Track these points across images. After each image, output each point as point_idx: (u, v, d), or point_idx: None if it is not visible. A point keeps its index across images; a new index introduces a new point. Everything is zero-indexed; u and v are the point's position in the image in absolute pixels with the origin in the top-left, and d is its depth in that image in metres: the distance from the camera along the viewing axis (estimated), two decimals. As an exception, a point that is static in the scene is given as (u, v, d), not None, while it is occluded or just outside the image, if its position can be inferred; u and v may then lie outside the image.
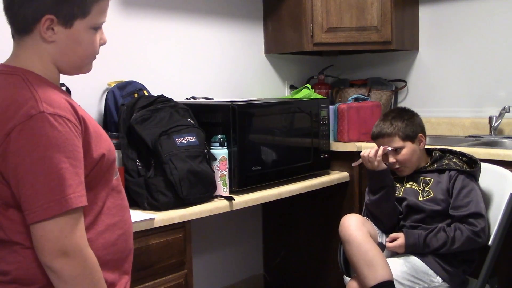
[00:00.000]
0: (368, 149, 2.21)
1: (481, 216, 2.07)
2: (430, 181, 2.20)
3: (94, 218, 1.29)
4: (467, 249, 2.08)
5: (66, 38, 1.28)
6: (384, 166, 2.19)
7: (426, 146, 2.32)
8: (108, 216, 1.32)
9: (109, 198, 1.34)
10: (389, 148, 2.21)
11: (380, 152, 2.18)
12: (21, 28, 1.27)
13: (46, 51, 1.28)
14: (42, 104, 1.18)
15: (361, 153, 2.22)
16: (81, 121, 1.25)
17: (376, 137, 2.28)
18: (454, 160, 2.21)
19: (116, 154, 1.98)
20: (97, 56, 1.38)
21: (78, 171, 1.20)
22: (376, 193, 2.20)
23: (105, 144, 1.32)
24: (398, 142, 2.22)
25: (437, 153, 2.28)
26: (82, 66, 1.35)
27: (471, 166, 2.19)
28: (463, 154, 2.24)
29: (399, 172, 2.27)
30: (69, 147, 1.18)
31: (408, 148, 2.22)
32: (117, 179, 1.39)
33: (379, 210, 2.22)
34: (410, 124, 2.24)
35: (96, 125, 1.33)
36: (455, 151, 2.27)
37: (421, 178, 2.23)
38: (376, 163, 2.17)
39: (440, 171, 2.20)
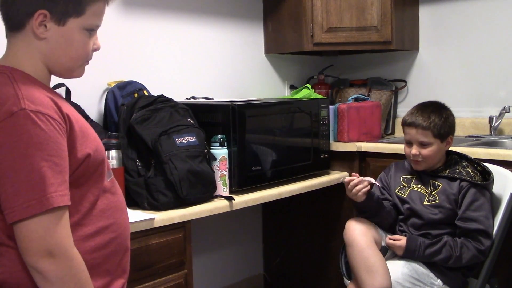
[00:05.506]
0: (352, 177, 2.14)
1: (488, 235, 2.04)
2: (438, 186, 2.16)
3: (79, 219, 1.25)
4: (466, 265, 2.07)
5: (58, 36, 1.27)
6: (362, 199, 2.13)
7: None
8: (100, 219, 1.29)
9: (102, 200, 1.31)
10: (373, 181, 2.16)
11: (360, 187, 2.11)
12: (14, 24, 1.26)
13: (36, 48, 1.27)
14: (24, 101, 1.16)
15: (345, 179, 2.16)
16: (66, 119, 1.22)
17: (409, 125, 2.20)
18: (468, 169, 2.15)
19: (116, 154, 2.01)
20: (96, 57, 1.37)
21: (61, 170, 1.17)
22: (360, 213, 2.21)
23: (92, 144, 1.29)
24: (429, 138, 2.15)
25: (453, 158, 2.23)
26: (73, 68, 1.33)
27: (485, 177, 2.14)
28: (478, 164, 2.18)
29: (415, 165, 2.21)
30: (51, 145, 1.16)
31: (436, 146, 2.15)
32: (111, 181, 1.36)
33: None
34: (446, 124, 2.17)
35: (84, 124, 1.30)
36: (472, 158, 2.21)
37: (431, 181, 2.18)
38: (356, 196, 2.12)
39: (451, 178, 2.15)
